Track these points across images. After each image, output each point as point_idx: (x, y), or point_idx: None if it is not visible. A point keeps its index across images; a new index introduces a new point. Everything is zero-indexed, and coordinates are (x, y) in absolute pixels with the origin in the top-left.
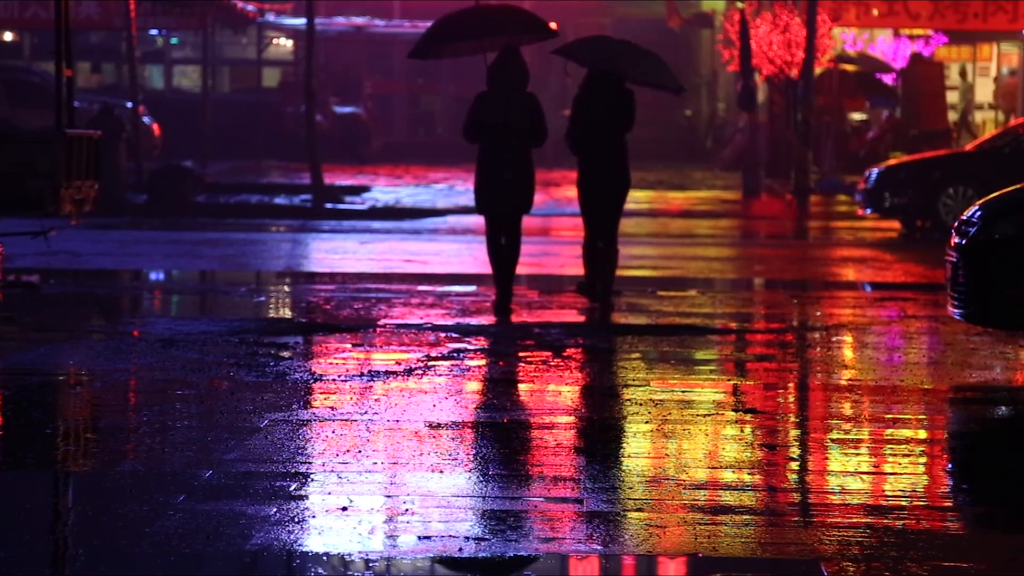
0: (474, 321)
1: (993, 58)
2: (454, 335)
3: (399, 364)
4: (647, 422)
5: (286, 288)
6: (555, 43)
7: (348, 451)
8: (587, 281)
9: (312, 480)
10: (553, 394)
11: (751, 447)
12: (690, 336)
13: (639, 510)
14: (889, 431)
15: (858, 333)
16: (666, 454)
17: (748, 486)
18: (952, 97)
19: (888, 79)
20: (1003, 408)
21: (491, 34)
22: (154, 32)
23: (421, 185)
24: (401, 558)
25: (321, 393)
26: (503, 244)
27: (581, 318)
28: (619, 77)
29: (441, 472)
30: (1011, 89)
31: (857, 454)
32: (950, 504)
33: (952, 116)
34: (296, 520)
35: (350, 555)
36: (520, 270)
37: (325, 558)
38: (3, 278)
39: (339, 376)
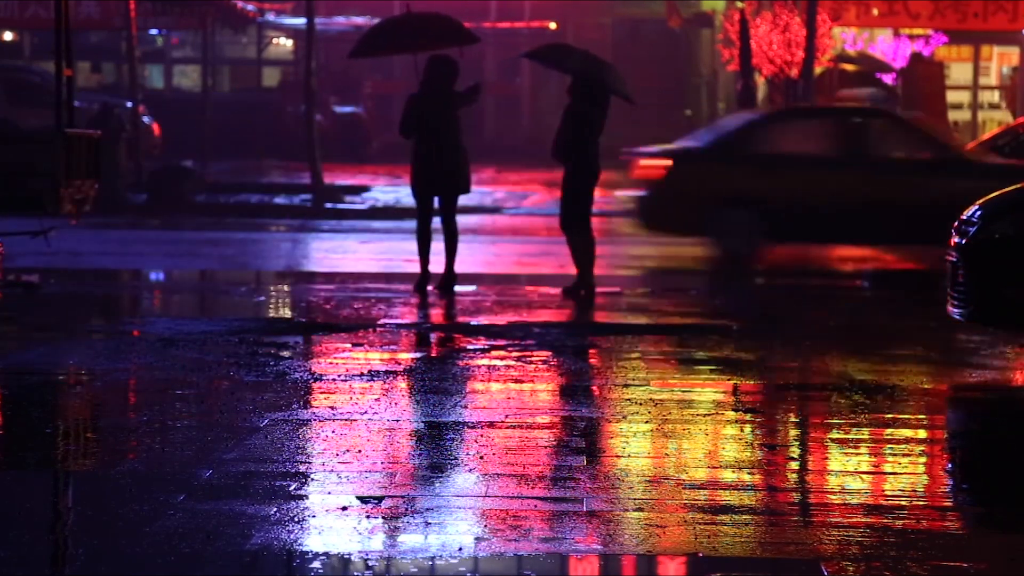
0: (474, 321)
1: (993, 58)
2: (454, 335)
3: (399, 364)
4: (647, 422)
5: (286, 288)
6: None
7: (348, 451)
8: (580, 280)
9: (312, 480)
10: (553, 393)
11: (751, 447)
12: (690, 336)
13: (639, 510)
14: (889, 431)
15: (857, 332)
16: (666, 454)
17: (748, 486)
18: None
19: (888, 79)
20: (1003, 408)
21: (422, 41)
22: (154, 32)
23: None
24: (401, 558)
25: (321, 393)
26: (444, 225)
27: (581, 318)
28: (602, 82)
29: (441, 472)
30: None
31: (857, 454)
32: (950, 504)
33: (955, 116)
34: (296, 520)
35: (350, 555)
36: (520, 270)
37: (325, 558)
38: (3, 278)
39: (339, 376)
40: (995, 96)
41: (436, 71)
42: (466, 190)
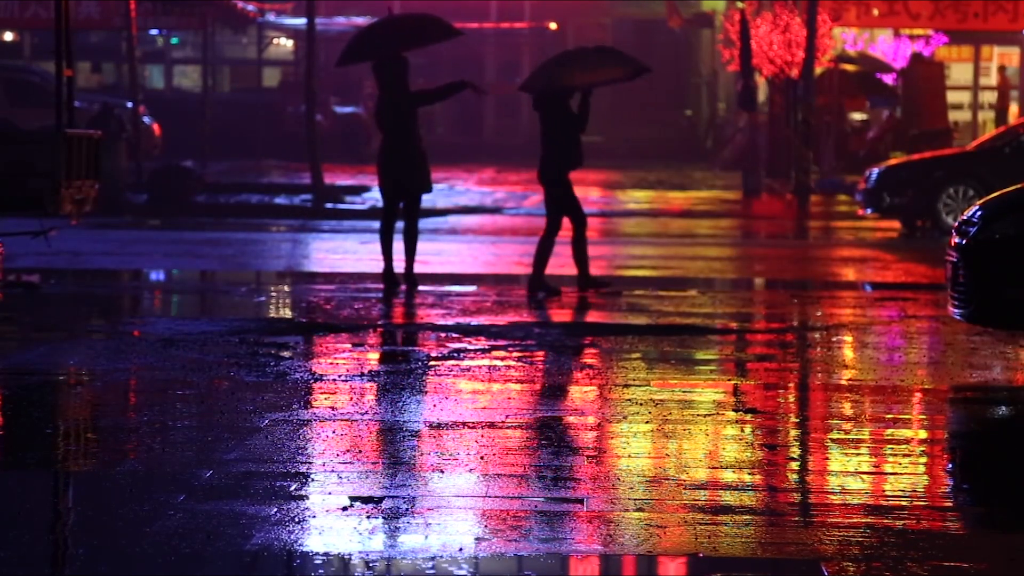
0: (474, 321)
1: (993, 58)
2: (454, 335)
3: (399, 364)
4: (647, 422)
5: (286, 288)
6: (556, 42)
7: (348, 451)
8: (582, 275)
9: (312, 480)
10: (553, 393)
11: (751, 447)
12: (690, 336)
13: (639, 510)
14: (889, 431)
15: (858, 333)
16: (666, 454)
17: (748, 486)
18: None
19: (888, 79)
20: (1003, 408)
21: (407, 42)
22: (154, 32)
23: None
24: (401, 558)
25: (321, 393)
26: (404, 224)
27: (581, 318)
28: (556, 90)
29: (441, 472)
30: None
31: (857, 454)
32: (950, 504)
33: (956, 116)
34: (296, 520)
35: (350, 555)
36: (520, 270)
37: (325, 558)
38: (3, 278)
39: (339, 376)
40: (995, 96)
41: (384, 74)
42: (426, 189)
